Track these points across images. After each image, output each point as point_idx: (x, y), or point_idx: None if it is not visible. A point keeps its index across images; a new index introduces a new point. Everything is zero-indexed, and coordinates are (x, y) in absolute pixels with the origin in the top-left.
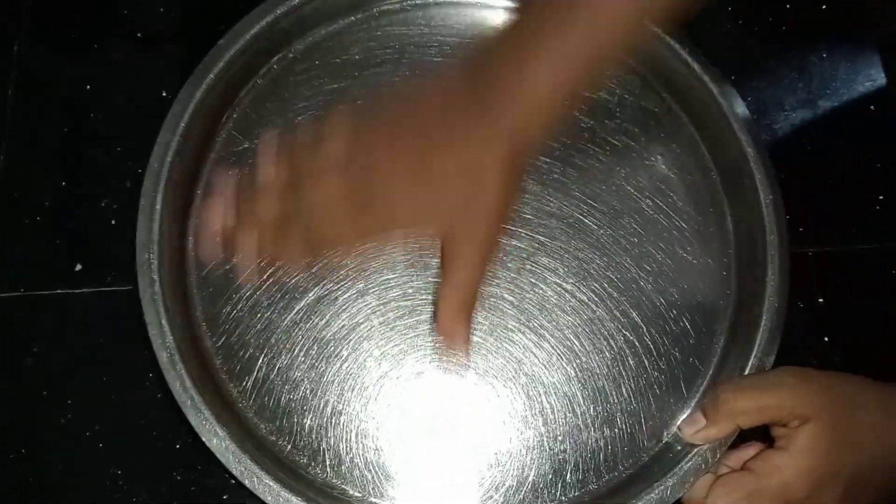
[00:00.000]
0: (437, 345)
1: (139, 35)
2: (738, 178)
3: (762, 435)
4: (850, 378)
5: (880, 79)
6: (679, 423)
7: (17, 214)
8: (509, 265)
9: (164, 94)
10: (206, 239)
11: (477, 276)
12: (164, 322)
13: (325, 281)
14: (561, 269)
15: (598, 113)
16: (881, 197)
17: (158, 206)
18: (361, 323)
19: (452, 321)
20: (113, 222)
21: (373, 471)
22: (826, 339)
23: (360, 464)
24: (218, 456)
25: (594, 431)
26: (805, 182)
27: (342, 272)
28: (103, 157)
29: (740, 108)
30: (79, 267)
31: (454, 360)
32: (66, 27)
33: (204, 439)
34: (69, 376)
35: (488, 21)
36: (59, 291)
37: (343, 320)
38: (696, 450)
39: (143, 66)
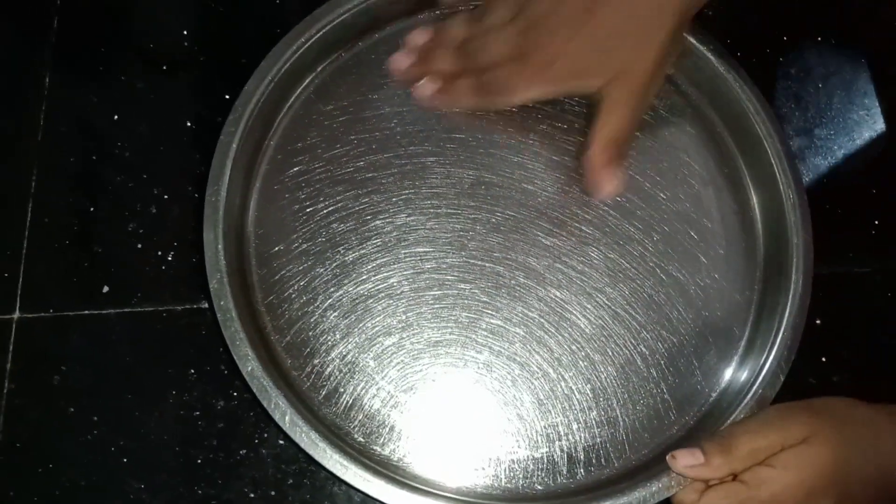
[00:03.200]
0: (586, 182)
1: (164, 66)
2: (772, 201)
3: None
4: (838, 400)
5: (874, 107)
6: (674, 452)
7: (46, 238)
8: (536, 264)
9: (188, 124)
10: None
11: (631, 124)
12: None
13: (368, 243)
14: (585, 275)
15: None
16: (876, 221)
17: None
18: (393, 286)
19: (603, 153)
20: (139, 246)
21: (378, 422)
22: (824, 359)
23: (367, 414)
24: (242, 370)
25: (596, 429)
26: None
27: (384, 238)
28: (129, 184)
29: (783, 144)
30: (105, 289)
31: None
32: (92, 59)
33: (236, 359)
34: (95, 394)
35: None
36: (86, 312)
37: (377, 281)
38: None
39: (167, 95)
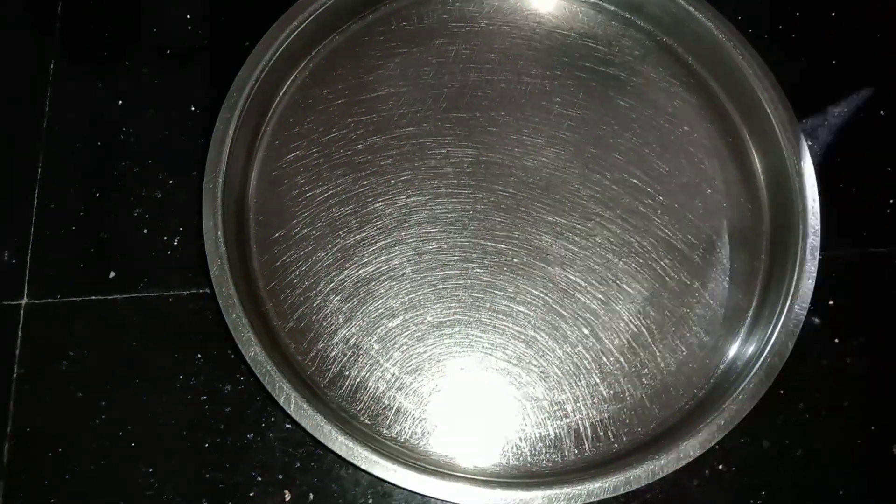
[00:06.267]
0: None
1: (168, 52)
2: (777, 167)
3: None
4: None
5: (888, 84)
6: None
7: (53, 224)
8: (540, 241)
9: (192, 109)
10: None
11: None
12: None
13: (368, 225)
14: (589, 250)
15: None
16: (892, 200)
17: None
18: (395, 268)
19: None
20: (145, 231)
21: (383, 404)
22: (836, 340)
23: (372, 396)
24: (245, 356)
25: (603, 404)
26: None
27: (385, 220)
28: (135, 170)
29: (792, 122)
30: (112, 274)
31: None
32: (97, 45)
33: (239, 345)
34: (102, 379)
35: (553, 11)
36: (93, 298)
37: (379, 263)
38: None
39: (172, 81)
